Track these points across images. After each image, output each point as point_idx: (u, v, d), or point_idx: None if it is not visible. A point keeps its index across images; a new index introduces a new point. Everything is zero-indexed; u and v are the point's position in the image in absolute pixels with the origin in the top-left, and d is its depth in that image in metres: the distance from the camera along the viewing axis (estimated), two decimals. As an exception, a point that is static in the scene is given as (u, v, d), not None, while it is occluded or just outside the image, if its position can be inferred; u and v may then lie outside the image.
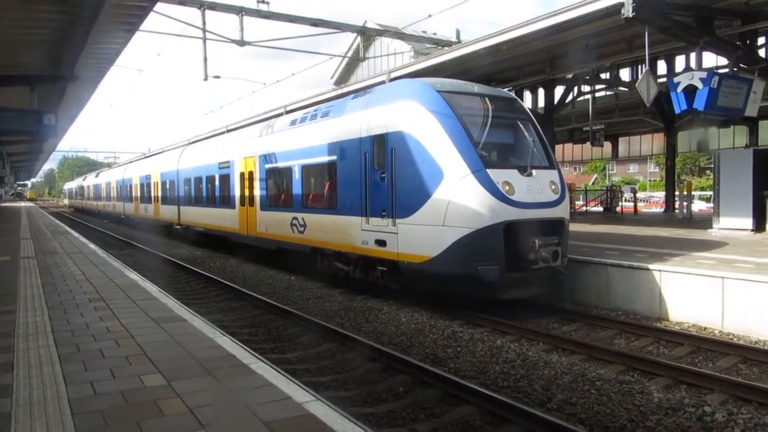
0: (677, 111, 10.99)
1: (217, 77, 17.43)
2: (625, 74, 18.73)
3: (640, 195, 37.63)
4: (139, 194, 27.06)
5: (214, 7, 14.53)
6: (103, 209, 38.32)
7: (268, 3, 15.15)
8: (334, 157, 10.82)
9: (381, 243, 9.38)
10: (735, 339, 7.43)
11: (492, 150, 8.96)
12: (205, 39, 14.56)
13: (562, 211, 8.95)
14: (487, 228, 8.04)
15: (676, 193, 23.26)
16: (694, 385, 5.88)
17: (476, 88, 9.63)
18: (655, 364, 6.40)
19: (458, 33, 23.40)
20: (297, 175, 12.28)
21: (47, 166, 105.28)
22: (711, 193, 18.18)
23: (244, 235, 14.82)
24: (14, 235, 17.34)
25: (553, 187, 8.91)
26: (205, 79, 15.47)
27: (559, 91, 17.67)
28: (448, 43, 20.43)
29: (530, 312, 8.85)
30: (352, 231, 10.11)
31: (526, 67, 16.21)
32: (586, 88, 19.37)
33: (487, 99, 9.40)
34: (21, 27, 9.58)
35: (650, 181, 62.32)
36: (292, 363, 6.59)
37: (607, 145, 25.78)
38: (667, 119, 21.70)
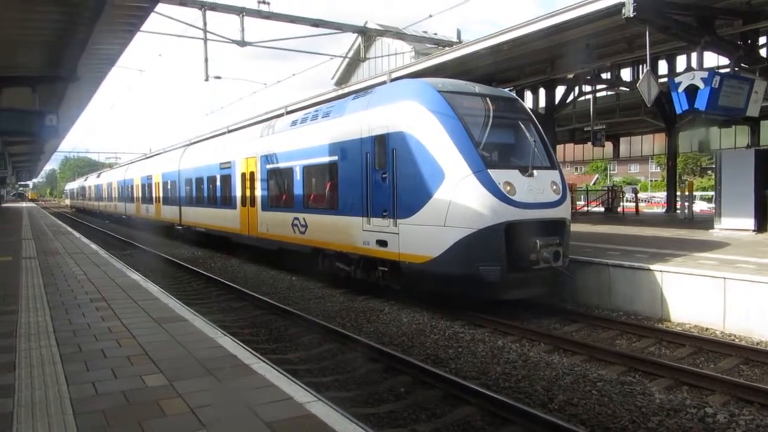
0: (678, 111, 10.98)
1: (218, 78, 17.44)
2: (626, 74, 18.72)
3: (641, 195, 37.60)
4: (140, 195, 27.09)
5: (215, 7, 14.54)
6: (104, 210, 38.38)
7: (268, 3, 15.17)
8: (335, 158, 10.82)
9: (382, 243, 9.38)
10: (737, 340, 7.42)
11: (493, 150, 8.96)
12: (206, 39, 14.57)
13: (563, 212, 8.95)
14: (488, 228, 8.04)
15: (678, 193, 23.22)
16: (696, 386, 5.87)
17: (477, 88, 9.63)
18: (656, 365, 6.39)
19: (459, 33, 23.39)
20: (298, 175, 12.28)
21: (49, 167, 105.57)
22: (712, 193, 18.18)
23: (246, 236, 14.83)
24: (16, 235, 17.36)
25: (555, 187, 8.91)
26: (206, 79, 15.49)
27: (560, 91, 17.67)
28: (448, 44, 20.42)
29: (531, 312, 8.85)
30: (354, 231, 10.11)
31: (527, 67, 16.21)
32: (587, 88, 19.36)
33: (488, 99, 9.40)
34: (22, 27, 9.59)
35: (651, 181, 62.28)
36: (293, 363, 6.60)
37: (609, 146, 25.75)
38: (668, 119, 21.67)
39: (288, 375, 4.08)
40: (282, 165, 13.00)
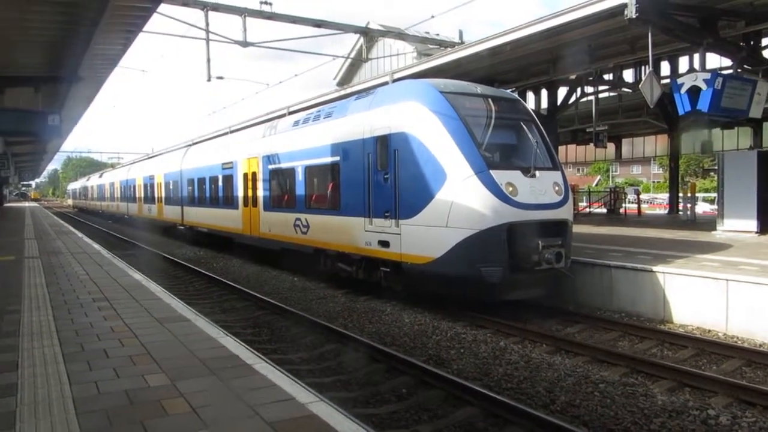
0: (681, 112, 10.96)
1: (221, 78, 17.49)
2: (628, 75, 18.68)
3: (643, 196, 37.58)
4: (142, 195, 27.13)
5: (217, 8, 14.58)
6: (106, 209, 38.44)
7: (270, 4, 15.22)
8: (337, 158, 10.83)
9: (384, 244, 9.38)
10: (739, 342, 7.41)
11: (495, 151, 8.95)
12: (208, 40, 14.61)
13: (565, 213, 8.94)
14: (490, 229, 8.04)
15: (680, 194, 23.19)
16: (698, 388, 5.86)
17: (479, 89, 9.62)
18: (658, 367, 6.38)
19: (461, 34, 23.44)
20: (300, 175, 12.29)
21: (51, 167, 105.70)
22: (715, 194, 18.16)
23: (248, 236, 14.85)
24: (19, 235, 17.39)
25: (557, 188, 8.90)
26: (209, 79, 15.54)
27: (562, 92, 17.63)
28: (451, 44, 20.44)
29: (533, 313, 8.84)
30: (356, 232, 10.11)
31: (528, 68, 16.18)
32: (589, 89, 19.31)
33: (490, 100, 9.40)
34: (24, 28, 9.61)
35: (654, 182, 62.21)
36: (295, 363, 6.60)
37: (611, 147, 25.70)
38: (670, 120, 21.62)
39: (290, 375, 4.08)
40: (284, 165, 13.01)
